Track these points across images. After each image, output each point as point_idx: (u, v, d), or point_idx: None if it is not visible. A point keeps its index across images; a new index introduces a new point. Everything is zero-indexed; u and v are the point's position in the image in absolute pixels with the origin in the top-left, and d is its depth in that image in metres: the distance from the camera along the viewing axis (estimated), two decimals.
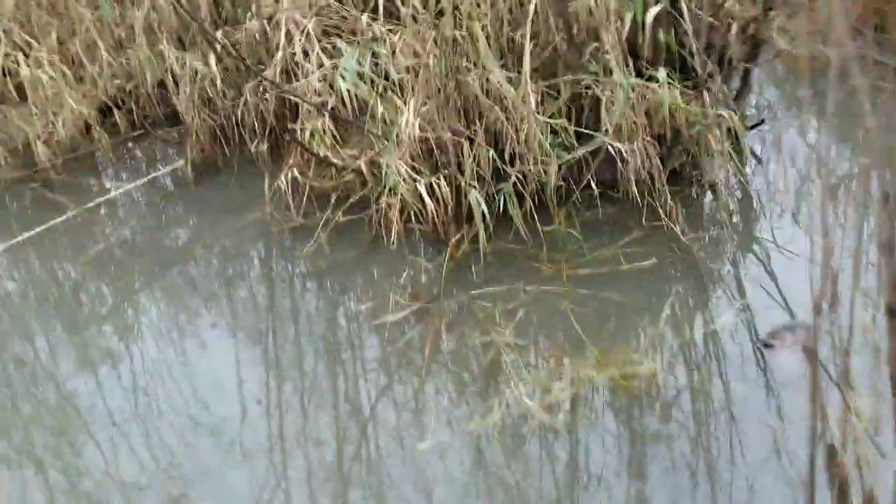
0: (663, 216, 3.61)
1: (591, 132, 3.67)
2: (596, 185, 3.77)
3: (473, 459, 2.72)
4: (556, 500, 2.57)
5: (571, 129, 3.71)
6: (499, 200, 3.64)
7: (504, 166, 3.66)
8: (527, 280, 3.52)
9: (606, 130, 3.61)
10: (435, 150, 3.65)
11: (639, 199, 3.64)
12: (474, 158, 3.64)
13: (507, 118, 3.61)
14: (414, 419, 2.93)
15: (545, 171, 3.63)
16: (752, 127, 4.23)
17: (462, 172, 3.62)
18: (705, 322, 3.21)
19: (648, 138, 3.59)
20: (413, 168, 3.64)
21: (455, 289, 3.55)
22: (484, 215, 3.60)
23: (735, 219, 3.81)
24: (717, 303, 3.36)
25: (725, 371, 2.96)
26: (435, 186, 3.57)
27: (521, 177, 3.69)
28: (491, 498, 2.61)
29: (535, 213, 3.69)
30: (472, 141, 3.63)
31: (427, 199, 3.60)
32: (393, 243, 3.68)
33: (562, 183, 3.72)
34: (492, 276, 3.58)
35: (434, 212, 3.63)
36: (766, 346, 2.95)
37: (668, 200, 3.61)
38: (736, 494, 2.50)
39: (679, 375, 2.94)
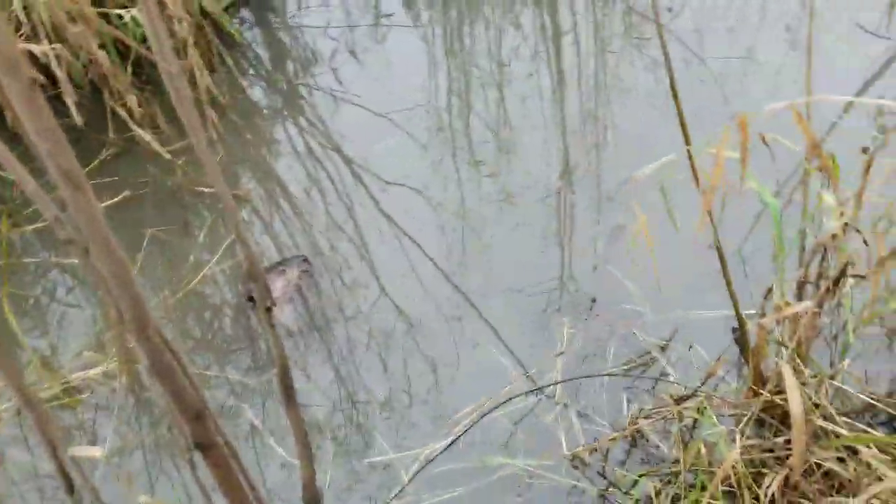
0: (133, 126, 2.73)
1: None
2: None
3: None
4: None
5: None
6: None
7: None
8: None
9: None
10: None
11: (92, 112, 2.70)
12: None
13: None
14: None
15: None
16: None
17: None
18: (180, 281, 2.46)
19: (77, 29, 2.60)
20: None
21: None
22: None
23: (239, 119, 3.02)
24: (193, 250, 2.56)
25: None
26: None
27: None
28: None
29: None
30: None
31: None
32: None
33: None
34: None
35: None
36: (250, 299, 2.31)
37: (135, 103, 2.72)
38: None
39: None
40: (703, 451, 1.53)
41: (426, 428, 2.02)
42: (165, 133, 2.75)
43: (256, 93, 3.13)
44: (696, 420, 1.73)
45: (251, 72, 3.23)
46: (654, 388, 1.97)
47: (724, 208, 2.25)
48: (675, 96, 1.44)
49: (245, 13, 3.46)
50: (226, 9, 3.17)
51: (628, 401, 1.97)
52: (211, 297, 2.40)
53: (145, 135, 2.68)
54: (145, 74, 2.93)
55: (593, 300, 2.21)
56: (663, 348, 2.06)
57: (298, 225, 2.64)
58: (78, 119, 2.52)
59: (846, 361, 1.51)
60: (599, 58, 3.19)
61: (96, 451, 1.07)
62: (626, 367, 2.04)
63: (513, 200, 2.60)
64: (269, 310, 1.31)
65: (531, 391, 2.01)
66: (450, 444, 1.95)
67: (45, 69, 2.54)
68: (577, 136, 2.81)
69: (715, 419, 1.54)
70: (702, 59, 3.00)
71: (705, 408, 1.57)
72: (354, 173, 2.76)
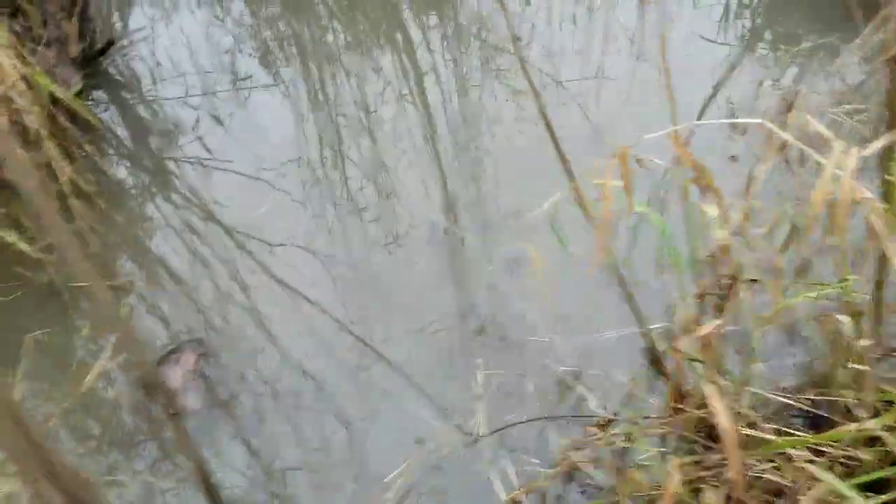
0: None
1: None
2: None
3: None
4: None
5: None
6: None
7: None
8: None
9: None
10: None
11: None
12: None
13: None
14: None
15: None
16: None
17: None
18: (71, 382, 2.28)
19: None
20: None
21: None
22: None
23: (108, 205, 2.85)
24: (80, 348, 2.40)
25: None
26: None
27: None
28: None
29: None
30: None
31: None
32: None
33: None
34: None
35: None
36: (147, 393, 2.19)
37: None
38: None
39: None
40: (638, 476, 1.55)
41: (350, 488, 1.96)
42: (30, 232, 2.58)
43: (122, 173, 2.99)
44: (625, 446, 1.75)
45: (111, 153, 3.09)
46: (576, 416, 1.99)
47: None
48: (553, 136, 1.47)
49: (98, 94, 3.31)
50: (77, 94, 3.02)
51: (556, 434, 1.98)
52: (106, 393, 2.26)
53: (8, 236, 2.50)
54: None
55: (501, 338, 2.21)
56: (577, 376, 2.09)
57: (188, 303, 2.53)
58: None
59: (758, 366, 1.57)
60: (463, 93, 3.24)
61: None
62: (546, 402, 2.05)
63: (400, 242, 2.58)
64: (175, 415, 1.24)
65: (465, 446, 1.98)
66: None
67: None
68: (454, 171, 2.83)
69: (646, 444, 1.56)
70: (559, 82, 3.10)
71: (631, 433, 1.59)
72: (237, 241, 2.68)
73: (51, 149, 2.49)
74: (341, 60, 3.47)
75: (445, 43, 3.51)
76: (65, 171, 2.53)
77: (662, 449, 1.55)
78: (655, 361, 1.72)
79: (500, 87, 3.19)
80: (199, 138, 3.09)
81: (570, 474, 1.86)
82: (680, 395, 1.61)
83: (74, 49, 3.07)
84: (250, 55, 3.46)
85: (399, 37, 3.54)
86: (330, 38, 3.58)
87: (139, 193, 2.91)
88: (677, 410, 1.60)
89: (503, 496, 1.87)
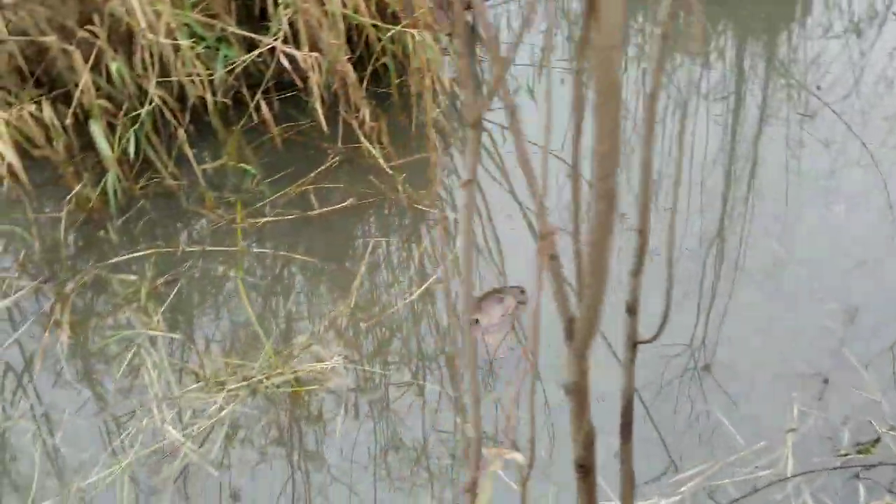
0: (362, 138, 2.83)
1: (255, 36, 2.74)
2: (278, 101, 2.91)
3: None
4: None
5: (233, 28, 2.76)
6: (129, 132, 2.69)
7: (142, 82, 2.68)
8: (188, 237, 2.66)
9: (277, 31, 2.71)
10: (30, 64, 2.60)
11: (325, 119, 2.80)
12: (98, 72, 2.62)
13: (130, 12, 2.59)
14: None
15: (204, 85, 2.70)
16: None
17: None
18: (409, 291, 2.52)
19: (334, 40, 2.72)
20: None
21: (86, 256, 2.62)
22: (127, 152, 2.65)
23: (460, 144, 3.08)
24: (427, 265, 2.65)
25: (433, 370, 2.36)
26: (33, 115, 2.54)
27: (169, 97, 2.74)
28: None
29: (195, 143, 2.80)
30: (91, 47, 2.59)
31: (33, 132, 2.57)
32: None
33: (228, 102, 2.82)
34: (139, 235, 2.69)
35: (48, 148, 2.63)
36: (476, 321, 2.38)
37: (367, 117, 2.83)
38: None
39: (369, 374, 2.29)
40: None
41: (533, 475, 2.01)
42: (387, 149, 2.85)
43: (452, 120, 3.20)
44: None
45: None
46: (893, 483, 1.94)
47: None
48: None
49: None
50: None
51: (866, 490, 1.94)
52: (425, 308, 2.47)
53: (373, 148, 2.78)
54: (369, 91, 3.03)
55: (825, 381, 2.19)
56: None
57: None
58: (325, 126, 2.65)
59: None
60: (756, 129, 3.15)
61: (519, 457, 1.11)
62: (860, 454, 2.01)
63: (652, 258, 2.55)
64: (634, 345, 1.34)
65: (785, 478, 1.97)
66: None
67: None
68: (732, 205, 2.77)
69: None
70: (863, 143, 2.96)
71: None
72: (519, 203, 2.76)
73: (434, 81, 2.74)
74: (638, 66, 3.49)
75: (756, 73, 3.44)
76: (434, 105, 2.78)
77: None
78: None
79: (799, 132, 3.08)
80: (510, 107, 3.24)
81: None
82: None
83: None
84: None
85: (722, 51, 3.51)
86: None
87: (456, 140, 3.08)
88: None
89: None
